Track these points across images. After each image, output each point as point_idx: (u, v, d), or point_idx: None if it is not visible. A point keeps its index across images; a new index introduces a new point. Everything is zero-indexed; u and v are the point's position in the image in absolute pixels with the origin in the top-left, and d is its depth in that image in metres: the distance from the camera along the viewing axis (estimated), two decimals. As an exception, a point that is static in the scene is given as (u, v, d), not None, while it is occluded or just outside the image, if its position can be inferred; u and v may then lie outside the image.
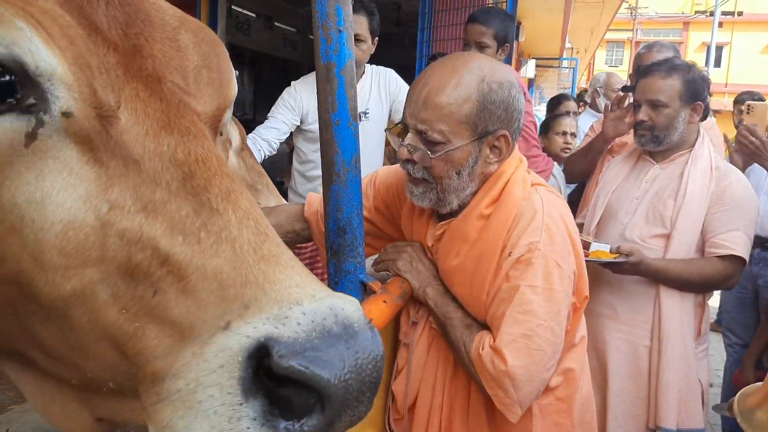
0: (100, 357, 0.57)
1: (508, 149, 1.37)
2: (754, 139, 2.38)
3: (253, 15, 7.52)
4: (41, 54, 0.49)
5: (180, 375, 0.53)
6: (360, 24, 2.74)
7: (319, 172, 2.57)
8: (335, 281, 1.24)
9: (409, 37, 6.46)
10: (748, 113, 2.54)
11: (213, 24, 5.29)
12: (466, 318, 1.37)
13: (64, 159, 0.53)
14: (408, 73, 4.71)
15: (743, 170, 2.71)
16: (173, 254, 0.55)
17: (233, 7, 6.65)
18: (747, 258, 2.08)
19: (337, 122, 1.21)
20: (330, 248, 1.26)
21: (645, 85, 2.22)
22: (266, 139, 2.84)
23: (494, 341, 1.28)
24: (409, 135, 1.35)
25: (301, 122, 2.93)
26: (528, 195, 1.37)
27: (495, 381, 1.27)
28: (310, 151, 2.96)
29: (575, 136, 3.73)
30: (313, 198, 1.67)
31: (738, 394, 1.41)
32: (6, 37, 0.47)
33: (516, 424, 1.31)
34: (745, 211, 2.11)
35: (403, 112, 1.38)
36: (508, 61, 3.13)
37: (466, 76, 1.32)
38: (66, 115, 0.52)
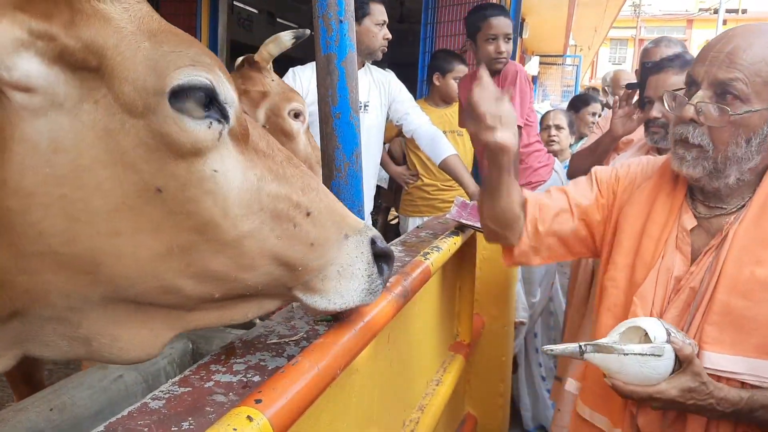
0: (263, 268, 0.87)
1: None
2: None
3: (255, 11, 7.48)
4: (228, 91, 0.81)
5: (335, 263, 0.95)
6: (383, 12, 2.88)
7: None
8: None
9: (412, 34, 6.41)
10: None
11: (214, 20, 5.23)
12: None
13: (230, 149, 0.83)
14: (411, 70, 4.65)
15: None
16: (300, 201, 0.90)
17: (235, 3, 6.61)
18: None
19: (337, 115, 1.17)
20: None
21: (658, 81, 2.16)
22: None
23: None
24: (699, 93, 1.28)
25: None
26: None
27: None
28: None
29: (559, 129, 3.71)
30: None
31: None
32: (214, 79, 0.79)
33: None
34: None
35: (690, 71, 1.32)
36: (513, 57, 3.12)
37: None
38: (232, 124, 0.83)
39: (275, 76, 2.05)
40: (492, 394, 2.61)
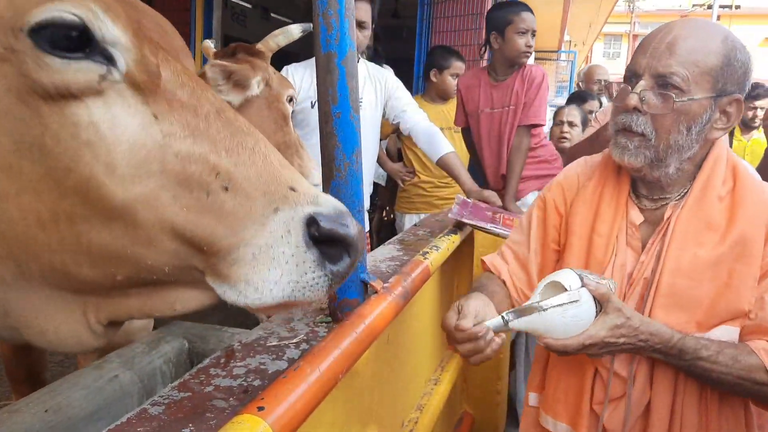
0: (163, 245, 0.75)
1: (737, 117, 1.33)
2: None
3: (249, 6, 7.44)
4: (109, 28, 0.71)
5: (251, 243, 0.76)
6: (365, 10, 2.76)
7: None
8: (335, 280, 1.19)
9: (406, 30, 6.38)
10: None
11: (209, 15, 5.21)
12: (717, 344, 1.26)
13: (126, 98, 0.73)
14: (406, 66, 4.61)
15: None
16: (219, 164, 0.75)
17: (229, -3, 6.58)
18: None
19: (338, 115, 1.16)
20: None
21: None
22: None
23: None
24: (642, 83, 1.30)
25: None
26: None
27: None
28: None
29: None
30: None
31: None
32: (85, 15, 0.70)
33: None
34: None
35: (631, 63, 1.35)
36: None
37: (713, 30, 1.30)
38: (127, 69, 0.73)
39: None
40: (489, 392, 2.60)
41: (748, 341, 1.28)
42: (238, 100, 1.97)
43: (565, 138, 3.55)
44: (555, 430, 1.48)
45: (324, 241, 0.78)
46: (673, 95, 1.27)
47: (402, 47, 5.60)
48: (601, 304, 1.25)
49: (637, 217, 1.41)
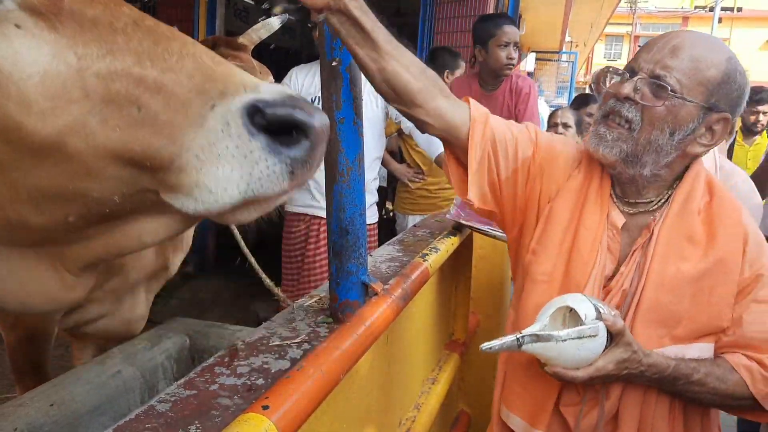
0: (105, 172, 0.70)
1: (722, 136, 1.33)
2: None
3: (252, 3, 7.45)
4: None
5: (192, 147, 0.71)
6: None
7: None
8: (337, 282, 1.22)
9: (408, 29, 6.39)
10: None
11: (211, 12, 5.22)
12: (705, 366, 1.29)
13: (25, 27, 0.67)
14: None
15: None
16: (145, 75, 0.70)
17: (232, -6, 6.58)
18: None
19: (341, 120, 1.18)
20: (332, 249, 1.23)
21: None
22: None
23: None
24: (639, 76, 1.31)
25: None
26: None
27: None
28: None
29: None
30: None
31: None
32: None
33: None
34: (751, 209, 2.11)
35: (632, 59, 1.36)
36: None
37: (720, 47, 1.32)
38: None
39: None
40: (486, 392, 2.62)
41: (725, 354, 1.31)
42: None
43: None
44: (509, 422, 1.47)
45: (278, 130, 0.73)
46: (669, 87, 1.28)
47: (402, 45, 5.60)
48: (612, 337, 1.26)
49: (618, 218, 1.39)
